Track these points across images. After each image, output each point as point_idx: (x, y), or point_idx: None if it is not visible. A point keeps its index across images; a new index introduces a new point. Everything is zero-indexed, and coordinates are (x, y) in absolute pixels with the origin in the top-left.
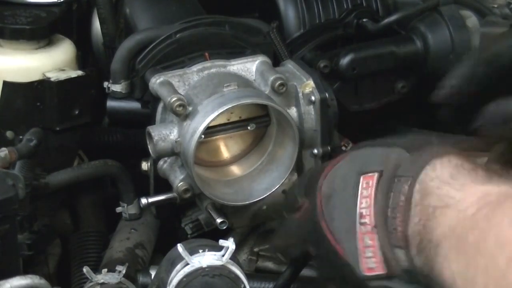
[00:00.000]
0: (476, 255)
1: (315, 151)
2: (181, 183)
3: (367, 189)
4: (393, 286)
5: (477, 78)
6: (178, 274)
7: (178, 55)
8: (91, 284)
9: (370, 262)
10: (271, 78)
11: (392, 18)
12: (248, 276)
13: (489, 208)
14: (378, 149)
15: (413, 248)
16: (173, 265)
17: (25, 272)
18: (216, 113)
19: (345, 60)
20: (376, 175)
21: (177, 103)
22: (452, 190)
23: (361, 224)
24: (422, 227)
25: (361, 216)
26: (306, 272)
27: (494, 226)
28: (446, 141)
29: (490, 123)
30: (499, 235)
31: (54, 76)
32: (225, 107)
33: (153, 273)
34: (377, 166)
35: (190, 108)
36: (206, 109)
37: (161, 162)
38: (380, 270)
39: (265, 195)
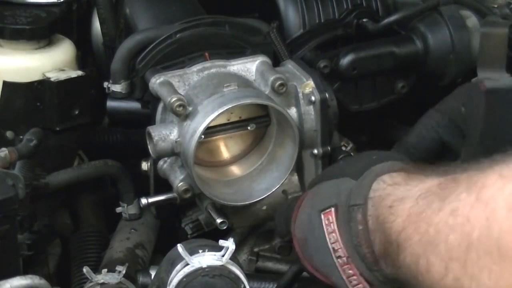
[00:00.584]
0: (429, 237)
1: (315, 151)
2: (181, 183)
3: (329, 225)
4: None
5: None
6: (178, 274)
7: (178, 55)
8: (91, 284)
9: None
10: (271, 78)
11: (392, 18)
12: (248, 276)
13: (433, 196)
14: (331, 183)
15: (383, 263)
16: (173, 265)
17: (25, 272)
18: (216, 113)
19: (345, 60)
20: (333, 209)
21: (177, 103)
22: (400, 191)
23: (337, 257)
24: (383, 240)
25: (334, 251)
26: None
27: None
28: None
29: None
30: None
31: (54, 76)
32: (225, 107)
33: (153, 273)
34: (332, 201)
35: (190, 108)
36: (206, 109)
37: (161, 162)
38: None
39: (265, 195)
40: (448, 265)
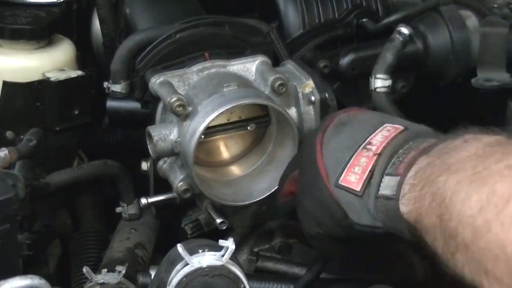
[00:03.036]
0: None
1: None
2: (181, 183)
3: (389, 131)
4: (350, 210)
5: None
6: (178, 274)
7: (178, 55)
8: (91, 284)
9: (353, 177)
10: (271, 78)
11: (392, 18)
12: (248, 276)
13: (497, 147)
14: (405, 120)
15: (412, 173)
16: (173, 265)
17: (25, 272)
18: (216, 113)
19: (345, 60)
20: (402, 128)
21: (177, 103)
22: (471, 136)
23: (365, 148)
24: (433, 165)
25: (369, 143)
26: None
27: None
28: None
29: None
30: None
31: (54, 76)
32: (225, 107)
33: (153, 273)
34: (402, 125)
35: (190, 108)
36: (206, 109)
37: (161, 162)
38: (355, 187)
39: (265, 195)
40: (484, 206)
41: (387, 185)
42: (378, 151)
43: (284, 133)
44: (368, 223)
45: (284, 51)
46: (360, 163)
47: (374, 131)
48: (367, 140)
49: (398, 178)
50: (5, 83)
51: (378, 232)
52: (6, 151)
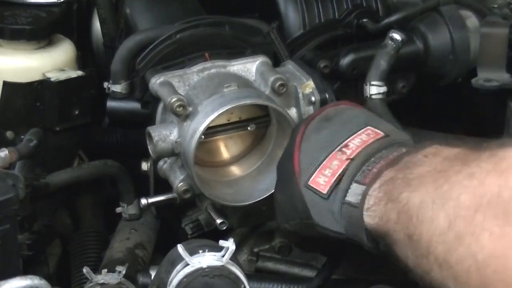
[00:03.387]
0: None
1: None
2: (181, 183)
3: (368, 136)
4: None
5: None
6: (178, 274)
7: (178, 56)
8: (91, 284)
9: (322, 179)
10: (271, 78)
11: (392, 18)
12: (248, 276)
13: (457, 160)
14: (392, 125)
15: (377, 185)
16: (173, 265)
17: (25, 272)
18: (216, 114)
19: (345, 60)
20: (382, 134)
21: (177, 103)
22: (434, 148)
23: (341, 151)
24: (396, 179)
25: (346, 145)
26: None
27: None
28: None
29: None
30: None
31: (54, 76)
32: (225, 108)
33: (153, 273)
34: (384, 130)
35: (190, 109)
36: (206, 110)
37: (161, 163)
38: (322, 189)
39: (265, 196)
40: (453, 221)
41: (354, 192)
42: (351, 156)
43: (285, 133)
44: (330, 227)
45: (285, 51)
46: (332, 165)
47: (355, 133)
48: (344, 142)
49: (364, 187)
50: (5, 83)
51: (339, 237)
52: (6, 151)
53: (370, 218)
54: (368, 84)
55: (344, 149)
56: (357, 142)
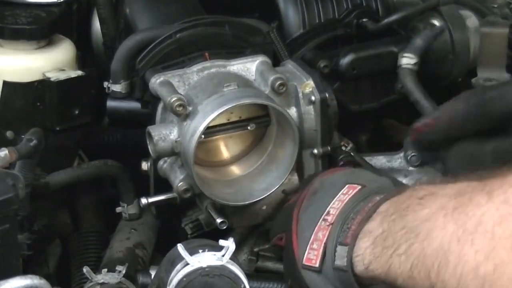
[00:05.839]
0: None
1: (315, 151)
2: (181, 183)
3: (345, 195)
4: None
5: (462, 116)
6: (178, 274)
7: (178, 55)
8: (91, 284)
9: (312, 253)
10: (271, 78)
11: (392, 18)
12: (248, 276)
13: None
14: (372, 173)
15: (365, 241)
16: (173, 265)
17: (25, 272)
18: (216, 113)
19: (345, 60)
20: (359, 187)
21: (177, 103)
22: (432, 188)
23: (324, 220)
24: (395, 225)
25: (327, 213)
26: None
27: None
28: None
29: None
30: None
31: (54, 76)
32: (225, 107)
33: (153, 273)
34: (363, 182)
35: (190, 108)
36: (206, 109)
37: (161, 162)
38: (314, 263)
39: (265, 195)
40: (488, 255)
41: (340, 255)
42: (332, 221)
43: (284, 133)
44: None
45: (284, 51)
46: (318, 237)
47: (335, 196)
48: (327, 210)
49: (347, 248)
50: (5, 83)
51: None
52: (6, 151)
53: (373, 273)
54: (400, 56)
55: (326, 217)
56: (336, 204)
